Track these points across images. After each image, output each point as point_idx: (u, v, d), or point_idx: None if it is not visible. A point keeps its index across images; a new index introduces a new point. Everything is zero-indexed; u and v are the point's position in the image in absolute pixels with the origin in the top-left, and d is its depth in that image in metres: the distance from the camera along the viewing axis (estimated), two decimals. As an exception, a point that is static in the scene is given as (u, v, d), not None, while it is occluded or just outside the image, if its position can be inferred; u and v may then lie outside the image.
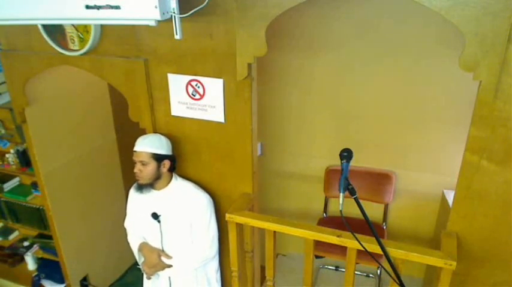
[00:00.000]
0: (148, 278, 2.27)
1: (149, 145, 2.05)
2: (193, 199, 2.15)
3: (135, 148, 2.07)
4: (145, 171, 2.06)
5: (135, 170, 2.08)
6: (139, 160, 2.05)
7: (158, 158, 2.06)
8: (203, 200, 2.16)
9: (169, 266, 2.20)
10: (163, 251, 2.21)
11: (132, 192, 2.27)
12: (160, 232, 2.17)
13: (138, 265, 2.32)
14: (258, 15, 1.75)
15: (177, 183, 2.18)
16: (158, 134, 2.14)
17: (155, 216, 2.14)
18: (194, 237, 2.18)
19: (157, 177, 2.10)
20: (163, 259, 2.19)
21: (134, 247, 2.30)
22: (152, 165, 2.05)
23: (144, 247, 2.25)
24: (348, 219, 1.55)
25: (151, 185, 2.11)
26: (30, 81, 2.38)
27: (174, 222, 2.15)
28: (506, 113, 1.62)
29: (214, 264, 2.33)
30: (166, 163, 2.09)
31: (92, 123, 2.97)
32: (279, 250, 3.37)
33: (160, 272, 2.24)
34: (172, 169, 2.14)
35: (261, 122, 2.25)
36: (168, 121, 2.21)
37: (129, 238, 2.35)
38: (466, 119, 1.76)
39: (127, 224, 2.37)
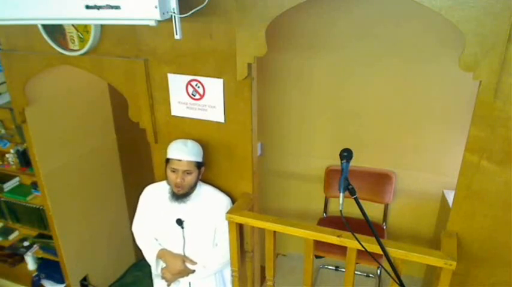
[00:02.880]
0: (169, 284, 2.21)
1: (193, 153, 2.01)
2: (215, 202, 2.13)
3: (178, 157, 1.98)
4: (188, 180, 2.00)
5: (178, 180, 1.99)
6: (184, 170, 1.98)
7: (199, 166, 2.04)
8: (225, 202, 2.14)
9: (193, 271, 2.16)
10: (186, 257, 2.17)
11: (152, 198, 2.20)
12: (183, 237, 2.14)
13: (157, 273, 2.25)
14: (258, 15, 1.75)
15: (201, 188, 2.15)
16: (193, 141, 2.08)
17: (179, 222, 2.10)
18: (218, 240, 2.16)
19: (195, 185, 2.07)
20: (188, 264, 2.15)
21: (151, 254, 2.21)
22: (195, 173, 2.02)
23: (165, 253, 2.19)
24: (348, 219, 1.55)
25: (189, 193, 2.06)
26: (30, 81, 2.37)
27: (197, 227, 2.12)
28: (506, 113, 1.62)
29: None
30: (203, 170, 2.08)
31: (92, 123, 2.97)
32: (279, 250, 3.37)
33: (180, 279, 2.20)
34: None
35: (261, 122, 2.25)
36: (168, 121, 2.21)
37: (143, 245, 2.26)
38: (466, 119, 1.76)
39: (137, 228, 2.30)
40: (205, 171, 2.23)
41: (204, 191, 2.16)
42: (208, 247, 2.17)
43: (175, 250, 2.19)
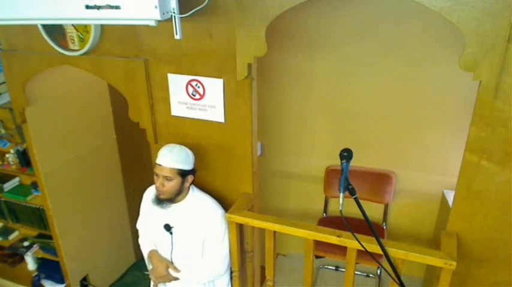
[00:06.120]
0: (155, 285, 2.24)
1: (176, 160, 1.97)
2: (208, 214, 2.10)
3: (160, 162, 1.97)
4: (168, 186, 1.98)
5: (157, 184, 1.99)
6: (163, 175, 1.97)
7: (183, 174, 2.00)
8: (218, 216, 2.10)
9: (177, 279, 2.15)
10: (172, 263, 2.16)
11: (147, 199, 2.20)
12: (172, 243, 2.13)
13: (147, 271, 2.27)
14: (258, 15, 1.75)
15: (194, 195, 2.11)
16: (183, 147, 2.04)
17: (168, 227, 2.09)
18: (206, 252, 2.13)
19: (179, 192, 2.04)
20: (171, 271, 2.14)
21: (144, 252, 2.26)
22: (176, 181, 1.98)
23: (153, 255, 2.19)
24: (348, 219, 1.55)
25: (171, 199, 2.04)
26: (30, 81, 2.37)
27: (186, 235, 2.10)
28: (506, 113, 1.62)
29: (225, 279, 2.28)
30: (190, 178, 2.04)
31: (92, 123, 2.97)
32: (279, 250, 3.37)
33: (168, 283, 2.21)
34: (192, 182, 2.08)
35: (261, 122, 2.25)
36: (168, 121, 2.21)
37: (141, 240, 2.30)
38: (466, 119, 1.76)
39: (139, 226, 2.33)
40: (205, 171, 2.23)
41: (197, 199, 2.12)
42: (196, 256, 2.14)
43: (164, 254, 2.19)
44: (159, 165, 1.98)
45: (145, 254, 2.25)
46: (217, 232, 2.10)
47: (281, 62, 2.80)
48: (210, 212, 2.11)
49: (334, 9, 2.54)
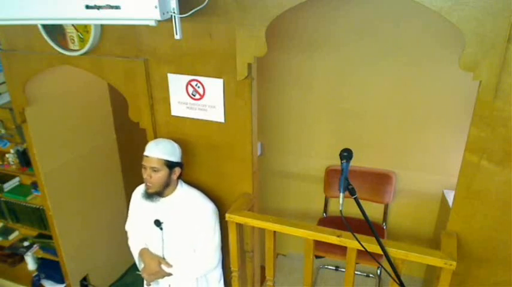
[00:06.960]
0: (148, 284, 2.24)
1: (162, 151, 2.00)
2: (198, 208, 2.11)
3: (147, 153, 2.01)
4: (155, 178, 2.00)
5: (145, 176, 2.02)
6: (150, 166, 1.99)
7: (170, 165, 2.01)
8: (208, 209, 2.11)
9: (169, 274, 2.16)
10: (163, 259, 2.17)
11: (136, 197, 2.22)
12: (162, 239, 2.13)
13: (138, 271, 2.28)
14: (258, 15, 1.75)
15: (183, 190, 2.13)
16: (170, 140, 2.08)
17: (158, 223, 2.10)
18: (197, 246, 2.13)
19: (167, 185, 2.05)
20: (164, 267, 2.15)
21: (135, 251, 2.26)
22: (163, 172, 2.00)
23: (144, 253, 2.20)
24: (348, 219, 1.55)
25: (160, 193, 2.05)
26: (30, 81, 2.38)
27: (176, 230, 2.11)
28: (506, 113, 1.62)
29: (217, 273, 2.28)
30: (177, 171, 2.05)
31: (92, 123, 2.97)
32: (279, 250, 3.37)
33: (160, 280, 2.21)
34: (179, 176, 2.10)
35: (261, 122, 2.25)
36: (168, 121, 2.21)
37: (130, 242, 2.31)
38: (466, 119, 1.76)
39: (128, 227, 2.34)
40: (205, 171, 2.23)
41: (186, 194, 2.13)
42: (188, 251, 2.14)
43: (155, 251, 2.19)
44: (146, 156, 2.01)
45: (135, 254, 2.25)
46: (207, 226, 2.11)
47: (281, 62, 2.80)
48: (199, 206, 2.12)
49: (334, 9, 2.54)
